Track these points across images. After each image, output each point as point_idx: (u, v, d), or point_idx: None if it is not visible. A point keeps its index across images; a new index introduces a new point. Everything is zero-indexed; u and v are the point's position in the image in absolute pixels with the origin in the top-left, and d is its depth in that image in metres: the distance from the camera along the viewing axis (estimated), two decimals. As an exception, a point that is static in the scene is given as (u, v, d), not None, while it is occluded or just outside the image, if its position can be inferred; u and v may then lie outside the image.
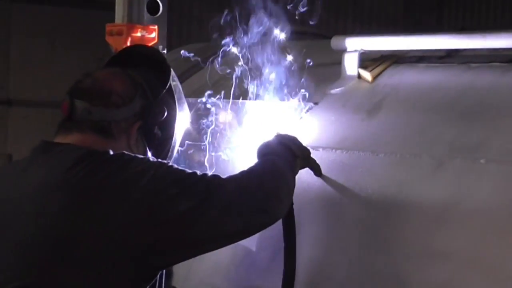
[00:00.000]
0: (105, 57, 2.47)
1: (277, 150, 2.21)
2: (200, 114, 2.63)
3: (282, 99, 2.67)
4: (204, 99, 2.64)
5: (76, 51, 6.93)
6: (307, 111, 2.67)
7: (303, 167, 2.31)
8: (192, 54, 2.76)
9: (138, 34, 2.87)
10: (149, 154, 2.16)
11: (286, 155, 2.21)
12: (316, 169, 2.36)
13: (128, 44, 2.89)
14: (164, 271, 2.13)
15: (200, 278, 2.55)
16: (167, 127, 2.20)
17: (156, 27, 2.92)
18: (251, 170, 2.10)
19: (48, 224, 1.92)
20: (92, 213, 1.91)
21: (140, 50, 2.35)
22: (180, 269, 2.47)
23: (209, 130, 2.60)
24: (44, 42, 7.25)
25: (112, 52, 2.90)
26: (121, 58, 2.29)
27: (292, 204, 2.24)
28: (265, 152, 2.22)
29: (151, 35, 2.91)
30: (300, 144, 2.29)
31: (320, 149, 2.43)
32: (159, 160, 2.08)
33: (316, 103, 2.69)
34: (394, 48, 2.71)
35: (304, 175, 2.33)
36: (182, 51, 2.79)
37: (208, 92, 2.65)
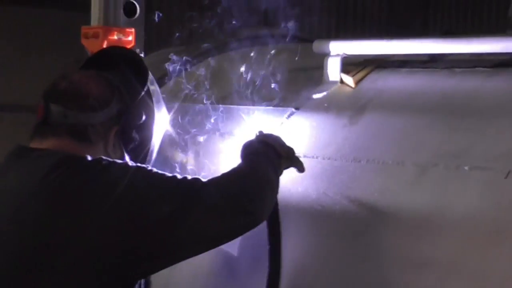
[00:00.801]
0: (81, 60, 2.46)
1: (260, 150, 2.21)
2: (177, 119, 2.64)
3: (262, 104, 2.67)
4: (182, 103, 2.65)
5: (51, 53, 6.89)
6: (288, 116, 2.67)
7: (288, 167, 2.31)
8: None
9: (115, 37, 2.86)
10: (127, 158, 2.16)
11: (269, 155, 2.21)
12: (299, 166, 2.36)
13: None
14: (142, 280, 2.13)
15: (178, 288, 2.55)
16: (145, 131, 2.20)
17: (133, 29, 2.91)
18: (233, 172, 2.10)
19: (25, 232, 1.92)
20: (70, 221, 1.91)
21: (117, 52, 2.35)
22: (158, 279, 2.47)
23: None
24: (18, 43, 7.21)
25: (88, 55, 2.89)
26: (97, 60, 2.29)
27: (277, 204, 2.25)
28: (248, 152, 2.21)
29: (128, 38, 2.90)
30: (284, 143, 2.29)
31: (301, 156, 2.43)
32: (138, 164, 2.08)
33: (297, 109, 2.69)
34: (377, 52, 2.72)
35: (284, 183, 2.33)
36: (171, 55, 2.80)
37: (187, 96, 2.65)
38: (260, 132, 2.32)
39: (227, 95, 2.73)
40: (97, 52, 2.40)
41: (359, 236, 2.23)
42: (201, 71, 2.75)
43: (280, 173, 2.24)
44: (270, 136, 2.30)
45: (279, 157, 2.24)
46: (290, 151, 2.31)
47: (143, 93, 2.19)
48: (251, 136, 2.33)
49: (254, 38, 3.00)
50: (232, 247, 2.39)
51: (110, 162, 2.02)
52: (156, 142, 2.27)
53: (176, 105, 2.65)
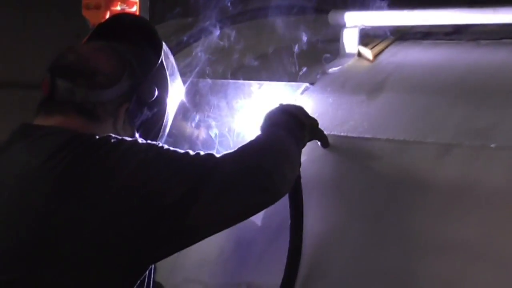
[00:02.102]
0: (81, 33, 2.46)
1: (281, 121, 2.18)
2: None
3: (276, 79, 2.68)
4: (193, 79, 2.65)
5: (49, 25, 6.88)
6: (302, 92, 2.68)
7: (311, 139, 2.31)
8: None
9: (118, 8, 2.86)
10: (137, 135, 2.14)
11: (291, 126, 2.18)
12: (324, 140, 2.36)
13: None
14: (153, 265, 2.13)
15: (185, 274, 2.55)
16: (158, 107, 2.18)
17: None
18: (249, 145, 2.07)
19: (31, 217, 1.91)
20: (79, 204, 1.90)
21: (129, 20, 2.30)
22: (164, 264, 2.48)
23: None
24: (14, 15, 7.20)
25: (89, 27, 2.90)
26: (107, 28, 2.24)
27: (299, 177, 2.25)
28: (268, 123, 2.19)
29: (132, 8, 2.90)
30: (307, 113, 2.28)
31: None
32: (149, 141, 2.06)
33: (312, 84, 2.70)
34: (397, 23, 2.71)
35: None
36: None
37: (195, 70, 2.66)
38: (281, 105, 2.29)
39: (238, 69, 2.74)
40: (107, 19, 2.34)
41: (378, 219, 2.24)
42: (209, 44, 2.75)
43: (303, 146, 2.22)
44: (292, 106, 2.28)
45: (303, 128, 2.22)
46: (314, 122, 2.30)
47: (156, 66, 2.16)
48: (264, 112, 2.33)
49: (265, 9, 3.00)
50: (256, 217, 2.37)
51: (120, 141, 2.00)
52: (169, 118, 2.25)
53: (188, 80, 2.65)
